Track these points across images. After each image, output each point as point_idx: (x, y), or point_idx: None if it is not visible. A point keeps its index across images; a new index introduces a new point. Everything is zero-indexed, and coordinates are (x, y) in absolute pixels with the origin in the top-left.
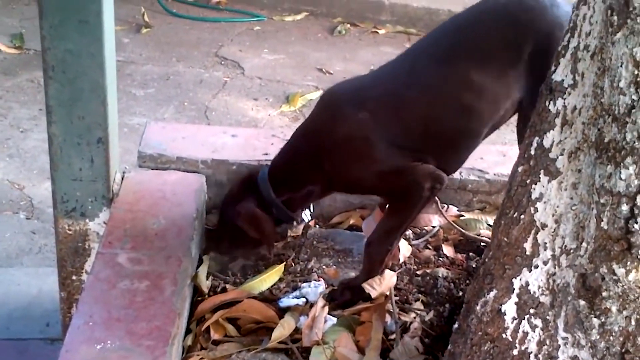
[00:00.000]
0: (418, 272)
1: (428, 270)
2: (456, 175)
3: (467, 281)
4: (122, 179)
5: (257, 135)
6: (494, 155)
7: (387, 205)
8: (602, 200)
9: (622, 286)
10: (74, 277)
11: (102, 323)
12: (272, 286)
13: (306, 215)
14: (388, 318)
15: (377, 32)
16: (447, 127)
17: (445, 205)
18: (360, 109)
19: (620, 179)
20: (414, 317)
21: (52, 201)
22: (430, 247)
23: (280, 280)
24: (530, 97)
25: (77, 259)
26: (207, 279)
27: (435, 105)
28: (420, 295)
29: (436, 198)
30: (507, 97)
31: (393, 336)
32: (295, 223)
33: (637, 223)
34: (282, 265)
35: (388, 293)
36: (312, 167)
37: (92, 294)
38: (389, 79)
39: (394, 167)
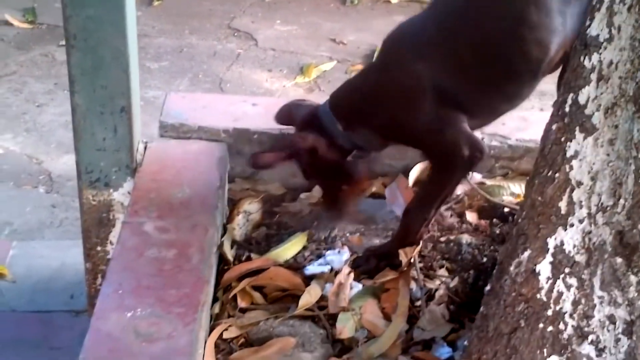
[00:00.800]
0: (442, 239)
1: (452, 237)
2: None
3: (491, 247)
4: (145, 148)
5: (277, 104)
6: (516, 121)
7: (427, 174)
8: None
9: None
10: (98, 248)
11: (132, 291)
12: (296, 254)
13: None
14: (413, 285)
15: (389, 2)
16: (507, 49)
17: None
18: (419, 56)
19: None
20: (439, 284)
21: (76, 172)
22: (453, 213)
23: (305, 248)
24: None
25: (101, 230)
26: (231, 248)
27: (492, 34)
28: (444, 261)
29: None
30: (563, 35)
31: (418, 303)
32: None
33: None
34: (306, 233)
35: (412, 260)
36: (370, 108)
37: (121, 263)
38: (442, 15)
39: (438, 120)
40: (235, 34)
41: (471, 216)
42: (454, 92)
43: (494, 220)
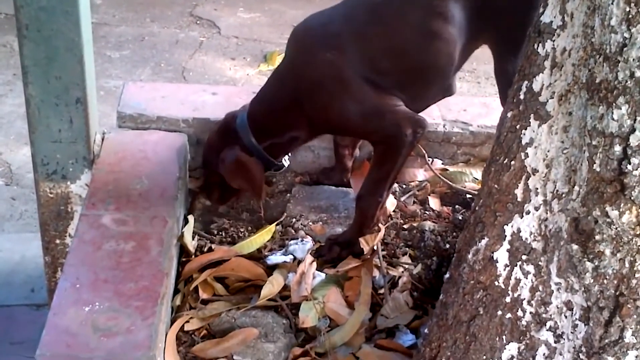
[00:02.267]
0: (405, 226)
1: (415, 224)
2: (440, 128)
3: (454, 233)
4: (103, 139)
5: (238, 92)
6: (477, 107)
7: (373, 156)
8: (594, 142)
9: (616, 228)
10: (57, 241)
11: (89, 285)
12: None
13: (286, 160)
14: (376, 272)
15: None
16: (415, 58)
17: (430, 159)
18: (328, 47)
19: (613, 119)
20: (402, 272)
21: (32, 164)
22: (416, 200)
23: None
24: (496, 37)
25: (60, 223)
26: (193, 239)
27: (400, 36)
28: (407, 249)
29: (423, 151)
30: (470, 28)
31: (382, 290)
32: (277, 169)
33: (630, 164)
34: (273, 225)
35: (375, 248)
36: (293, 111)
37: (78, 256)
38: (352, 12)
39: (373, 106)
40: (198, 22)
41: (434, 203)
42: (378, 79)
43: (457, 206)
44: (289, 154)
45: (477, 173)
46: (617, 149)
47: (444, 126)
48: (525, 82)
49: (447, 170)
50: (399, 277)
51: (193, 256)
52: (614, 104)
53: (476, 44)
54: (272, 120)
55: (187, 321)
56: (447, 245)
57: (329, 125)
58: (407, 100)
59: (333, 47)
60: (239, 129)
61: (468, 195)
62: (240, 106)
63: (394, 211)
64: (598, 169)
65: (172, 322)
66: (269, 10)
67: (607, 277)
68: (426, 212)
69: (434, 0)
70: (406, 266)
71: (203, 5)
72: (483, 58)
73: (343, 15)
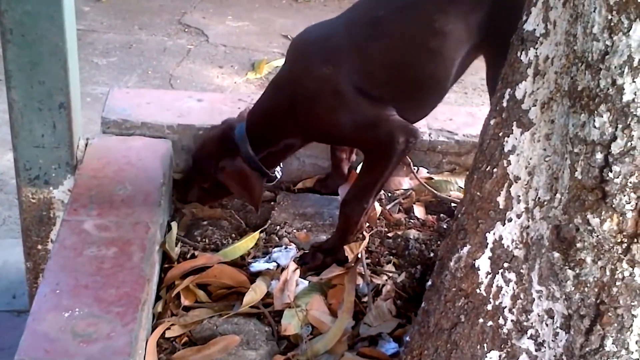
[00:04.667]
0: (389, 235)
1: (399, 233)
2: (425, 136)
3: (438, 242)
4: (86, 145)
5: (224, 99)
6: (463, 117)
7: (362, 163)
8: (575, 150)
9: (597, 236)
10: (39, 247)
11: (70, 291)
12: None
13: (278, 172)
14: (360, 280)
15: None
16: (414, 72)
17: (416, 167)
18: (326, 61)
19: (594, 127)
20: (386, 280)
21: (15, 169)
22: (401, 209)
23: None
24: (492, 45)
25: (42, 228)
26: (176, 245)
27: (401, 51)
28: (391, 257)
29: (409, 160)
30: (469, 41)
31: (365, 299)
32: (270, 181)
33: (611, 171)
34: (257, 232)
35: (359, 256)
36: (288, 120)
37: (59, 262)
38: (353, 26)
39: (367, 118)
40: (186, 30)
41: (419, 211)
42: (374, 91)
43: (442, 215)
44: (282, 166)
45: (462, 182)
46: (599, 156)
47: (429, 135)
48: (508, 89)
49: (433, 179)
50: (383, 285)
51: (176, 263)
52: (595, 112)
53: (475, 56)
54: (268, 129)
55: (169, 328)
56: (432, 254)
57: (322, 134)
58: (403, 111)
59: (331, 61)
60: (237, 140)
61: (453, 204)
62: (225, 113)
63: (378, 219)
64: (580, 177)
65: (153, 328)
66: (257, 19)
67: (588, 285)
68: (411, 220)
69: (434, 16)
70: (390, 274)
71: (191, 13)
72: (470, 69)
73: (343, 28)
